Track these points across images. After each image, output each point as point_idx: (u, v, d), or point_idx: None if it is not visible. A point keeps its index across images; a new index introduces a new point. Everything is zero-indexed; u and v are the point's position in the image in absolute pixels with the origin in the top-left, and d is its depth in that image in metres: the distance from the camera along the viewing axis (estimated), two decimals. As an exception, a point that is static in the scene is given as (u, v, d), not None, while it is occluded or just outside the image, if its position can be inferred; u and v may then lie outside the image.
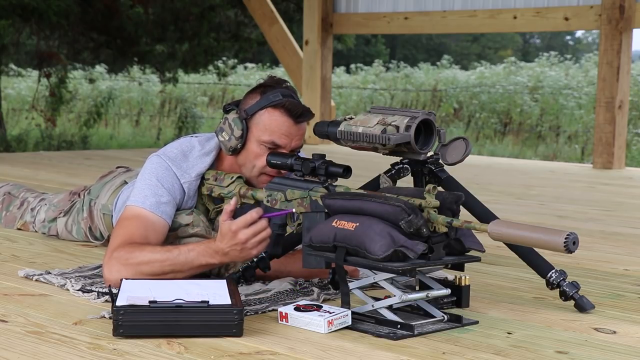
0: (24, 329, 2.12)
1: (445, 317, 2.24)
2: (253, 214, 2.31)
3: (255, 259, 2.52)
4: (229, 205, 2.36)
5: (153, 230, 2.50)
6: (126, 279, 2.32)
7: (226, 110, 2.61)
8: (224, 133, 2.58)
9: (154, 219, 2.51)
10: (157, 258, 2.37)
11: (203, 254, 2.36)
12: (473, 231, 2.20)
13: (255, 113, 2.55)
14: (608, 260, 3.23)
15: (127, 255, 2.39)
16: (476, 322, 2.26)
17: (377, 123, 2.37)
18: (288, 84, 2.62)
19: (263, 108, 2.54)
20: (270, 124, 2.53)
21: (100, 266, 2.72)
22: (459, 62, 20.06)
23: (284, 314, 2.21)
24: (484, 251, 2.25)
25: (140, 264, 2.37)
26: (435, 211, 2.15)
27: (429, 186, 2.15)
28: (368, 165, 3.91)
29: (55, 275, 2.63)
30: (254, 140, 2.56)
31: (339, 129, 2.45)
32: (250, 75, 16.02)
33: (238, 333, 2.07)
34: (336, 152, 4.28)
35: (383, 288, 2.23)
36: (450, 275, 2.60)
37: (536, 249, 2.44)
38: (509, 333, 2.20)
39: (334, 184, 2.40)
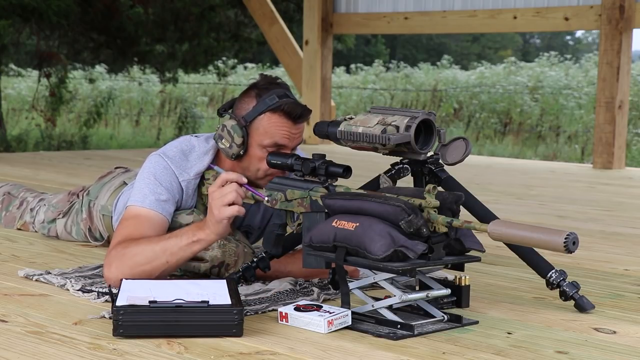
0: (24, 329, 2.12)
1: (445, 317, 2.24)
2: (223, 176, 2.38)
3: (255, 259, 2.52)
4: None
5: (150, 226, 2.51)
6: (126, 278, 2.32)
7: (220, 114, 2.61)
8: (224, 140, 2.57)
9: (152, 215, 2.52)
10: (150, 246, 2.41)
11: (191, 229, 2.42)
12: (473, 231, 2.20)
13: (255, 119, 2.55)
14: (608, 260, 3.23)
15: (123, 251, 2.42)
16: (476, 322, 2.26)
17: (377, 123, 2.37)
18: (280, 80, 2.61)
19: (262, 113, 2.54)
20: (270, 128, 2.54)
21: (100, 266, 2.72)
22: (459, 62, 20.06)
23: (284, 314, 2.21)
24: (484, 251, 2.25)
25: (135, 254, 2.40)
26: (435, 211, 2.15)
27: (429, 186, 2.15)
28: (368, 165, 3.90)
29: (55, 275, 2.63)
30: (255, 145, 2.56)
31: (339, 129, 2.45)
32: (250, 75, 16.01)
33: (238, 333, 2.07)
34: (336, 152, 4.28)
35: (383, 288, 2.23)
36: (450, 275, 2.60)
37: (536, 249, 2.44)
38: (509, 333, 2.20)
39: (334, 184, 2.40)
